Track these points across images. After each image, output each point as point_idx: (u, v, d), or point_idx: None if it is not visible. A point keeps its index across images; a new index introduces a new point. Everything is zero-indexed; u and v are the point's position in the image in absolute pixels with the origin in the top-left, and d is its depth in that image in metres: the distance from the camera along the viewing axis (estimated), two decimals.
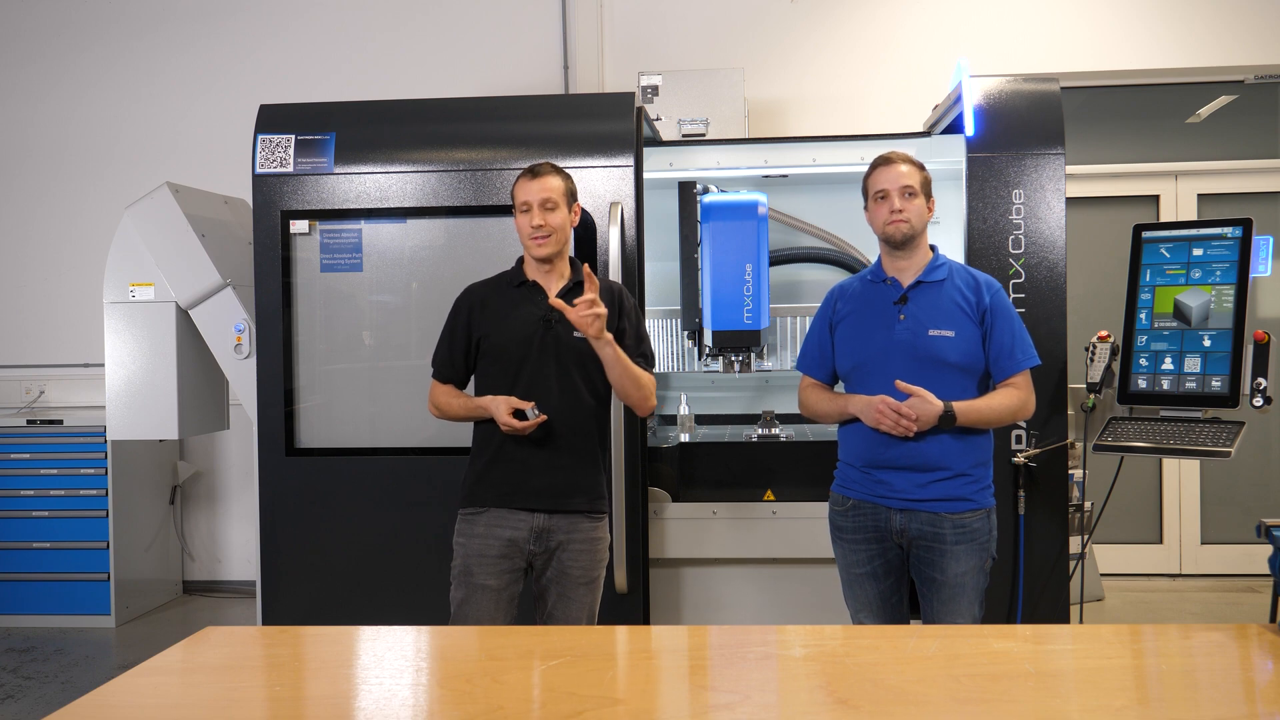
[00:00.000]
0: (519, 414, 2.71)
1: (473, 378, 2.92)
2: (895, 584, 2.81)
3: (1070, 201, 3.64)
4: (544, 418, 2.70)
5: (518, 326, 2.79)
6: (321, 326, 3.75)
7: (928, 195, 2.80)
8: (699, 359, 3.95)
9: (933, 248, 2.84)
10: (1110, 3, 5.26)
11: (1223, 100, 5.54)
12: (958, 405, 2.65)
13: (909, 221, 2.74)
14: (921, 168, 2.81)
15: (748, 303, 3.73)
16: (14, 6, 5.83)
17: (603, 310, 2.65)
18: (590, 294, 2.64)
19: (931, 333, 2.70)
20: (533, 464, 2.76)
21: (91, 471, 5.04)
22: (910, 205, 2.74)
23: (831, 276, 4.35)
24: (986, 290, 2.75)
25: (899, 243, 2.76)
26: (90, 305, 5.34)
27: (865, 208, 2.86)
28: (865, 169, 2.89)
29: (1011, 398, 2.73)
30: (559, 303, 2.68)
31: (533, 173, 2.79)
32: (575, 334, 2.75)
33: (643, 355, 2.87)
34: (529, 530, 2.76)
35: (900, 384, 2.65)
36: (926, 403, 2.62)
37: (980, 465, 2.75)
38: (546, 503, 2.77)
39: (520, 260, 2.91)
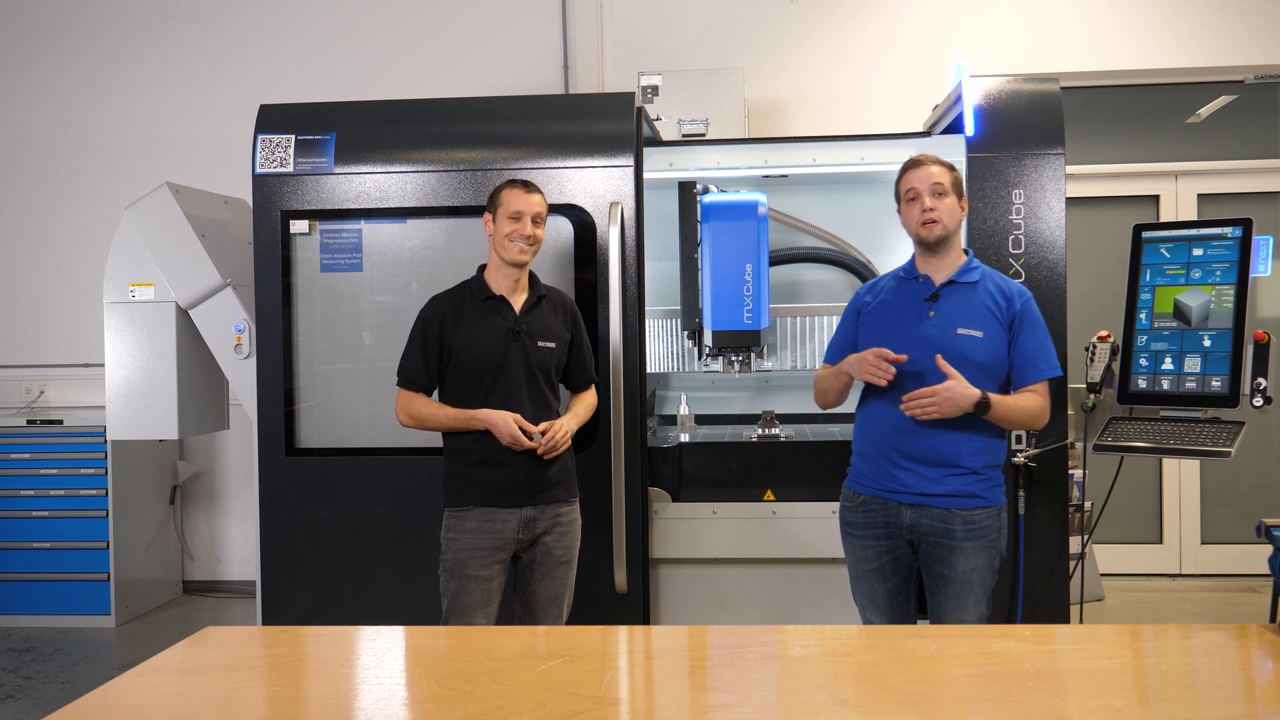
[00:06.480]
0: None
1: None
2: (902, 582, 2.83)
3: (1070, 201, 3.63)
4: (545, 444, 2.92)
5: (489, 339, 2.98)
6: (321, 326, 3.75)
7: (959, 195, 2.83)
8: (699, 359, 3.94)
9: (967, 251, 2.87)
10: (1110, 3, 5.26)
11: (1223, 100, 5.54)
12: (991, 396, 2.68)
13: (940, 221, 2.77)
14: (951, 168, 2.83)
15: (748, 303, 3.73)
16: (14, 6, 5.83)
17: (564, 446, 2.99)
18: (556, 440, 2.94)
19: (960, 331, 2.73)
20: (518, 466, 2.96)
21: (91, 471, 5.04)
22: (941, 204, 2.77)
23: (831, 276, 4.36)
24: (1019, 298, 2.79)
25: (932, 243, 2.79)
26: (90, 305, 5.35)
27: (898, 210, 2.88)
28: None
29: (1034, 402, 2.76)
30: (528, 444, 2.91)
31: (525, 187, 3.02)
32: (540, 344, 3.00)
33: (587, 370, 3.18)
34: (518, 522, 2.97)
35: (940, 360, 2.66)
36: (962, 386, 2.65)
37: (992, 466, 2.78)
38: (531, 498, 2.98)
39: (482, 270, 3.09)
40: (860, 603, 2.89)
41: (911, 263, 2.88)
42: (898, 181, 2.86)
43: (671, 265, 4.05)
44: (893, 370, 2.65)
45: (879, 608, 2.84)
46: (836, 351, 2.96)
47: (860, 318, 2.91)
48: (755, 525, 3.70)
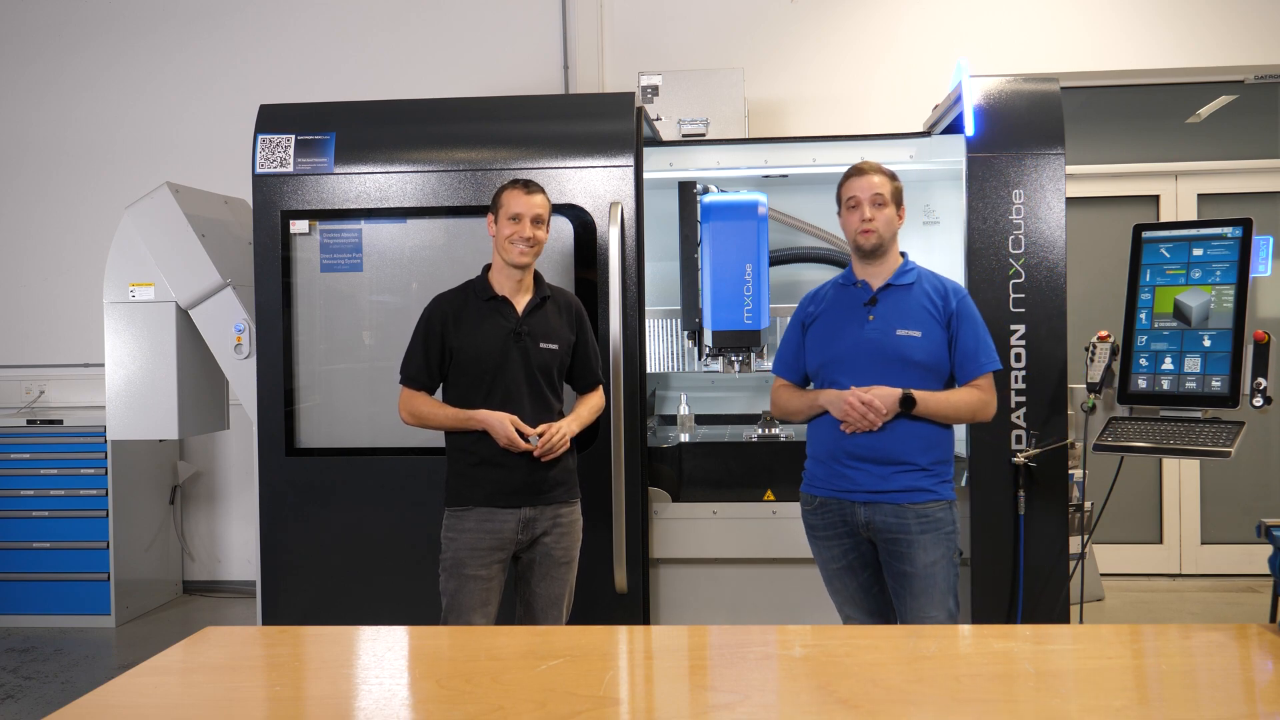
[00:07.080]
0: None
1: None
2: (873, 576, 2.88)
3: (1070, 201, 3.63)
4: (541, 445, 2.91)
5: (489, 340, 2.97)
6: (321, 326, 3.75)
7: (898, 205, 2.89)
8: (699, 359, 3.94)
9: (903, 254, 2.94)
10: (1110, 3, 5.26)
11: (1223, 100, 5.54)
12: (917, 393, 2.74)
13: (877, 231, 2.83)
14: (893, 178, 2.89)
15: (748, 303, 3.73)
16: (14, 6, 5.82)
17: (562, 449, 2.96)
18: (553, 442, 2.92)
19: (899, 332, 2.79)
20: (518, 466, 2.95)
21: (91, 471, 5.04)
22: (879, 214, 2.83)
23: (831, 276, 4.36)
24: (953, 296, 2.85)
25: (868, 251, 2.86)
26: (90, 305, 5.34)
27: (839, 214, 2.94)
28: None
29: (972, 396, 2.82)
30: (524, 445, 2.89)
31: (526, 187, 2.99)
32: (542, 345, 2.99)
33: (592, 371, 3.15)
34: (516, 522, 2.96)
35: (855, 390, 2.74)
36: (884, 388, 2.73)
37: (940, 462, 2.82)
38: (530, 499, 2.97)
39: (486, 270, 3.08)
40: (836, 600, 2.95)
41: (850, 269, 2.95)
42: (840, 186, 2.92)
43: (671, 265, 4.05)
44: (878, 421, 2.72)
45: (856, 604, 2.90)
46: (784, 365, 3.02)
47: (806, 329, 2.96)
48: (755, 525, 3.70)
